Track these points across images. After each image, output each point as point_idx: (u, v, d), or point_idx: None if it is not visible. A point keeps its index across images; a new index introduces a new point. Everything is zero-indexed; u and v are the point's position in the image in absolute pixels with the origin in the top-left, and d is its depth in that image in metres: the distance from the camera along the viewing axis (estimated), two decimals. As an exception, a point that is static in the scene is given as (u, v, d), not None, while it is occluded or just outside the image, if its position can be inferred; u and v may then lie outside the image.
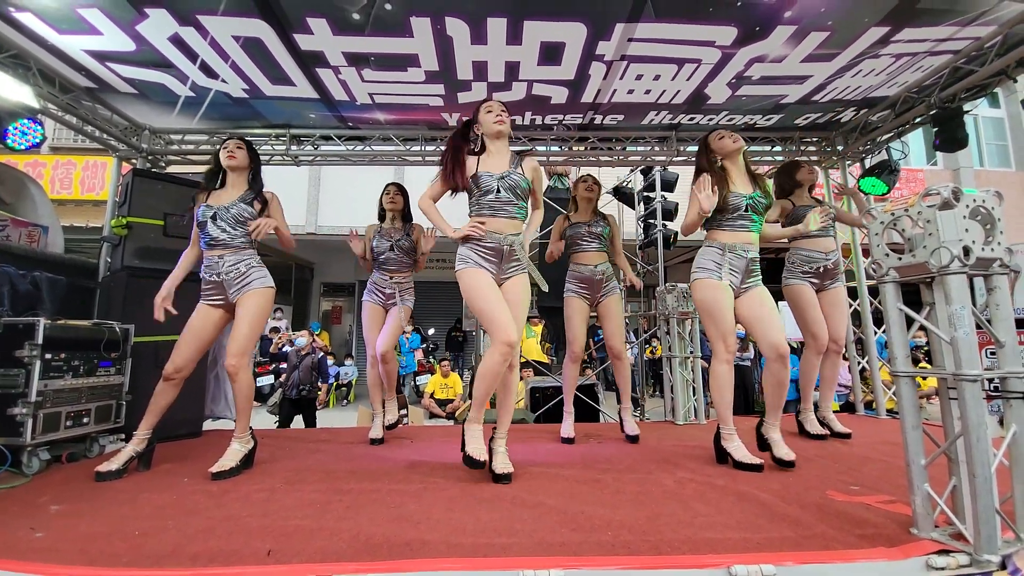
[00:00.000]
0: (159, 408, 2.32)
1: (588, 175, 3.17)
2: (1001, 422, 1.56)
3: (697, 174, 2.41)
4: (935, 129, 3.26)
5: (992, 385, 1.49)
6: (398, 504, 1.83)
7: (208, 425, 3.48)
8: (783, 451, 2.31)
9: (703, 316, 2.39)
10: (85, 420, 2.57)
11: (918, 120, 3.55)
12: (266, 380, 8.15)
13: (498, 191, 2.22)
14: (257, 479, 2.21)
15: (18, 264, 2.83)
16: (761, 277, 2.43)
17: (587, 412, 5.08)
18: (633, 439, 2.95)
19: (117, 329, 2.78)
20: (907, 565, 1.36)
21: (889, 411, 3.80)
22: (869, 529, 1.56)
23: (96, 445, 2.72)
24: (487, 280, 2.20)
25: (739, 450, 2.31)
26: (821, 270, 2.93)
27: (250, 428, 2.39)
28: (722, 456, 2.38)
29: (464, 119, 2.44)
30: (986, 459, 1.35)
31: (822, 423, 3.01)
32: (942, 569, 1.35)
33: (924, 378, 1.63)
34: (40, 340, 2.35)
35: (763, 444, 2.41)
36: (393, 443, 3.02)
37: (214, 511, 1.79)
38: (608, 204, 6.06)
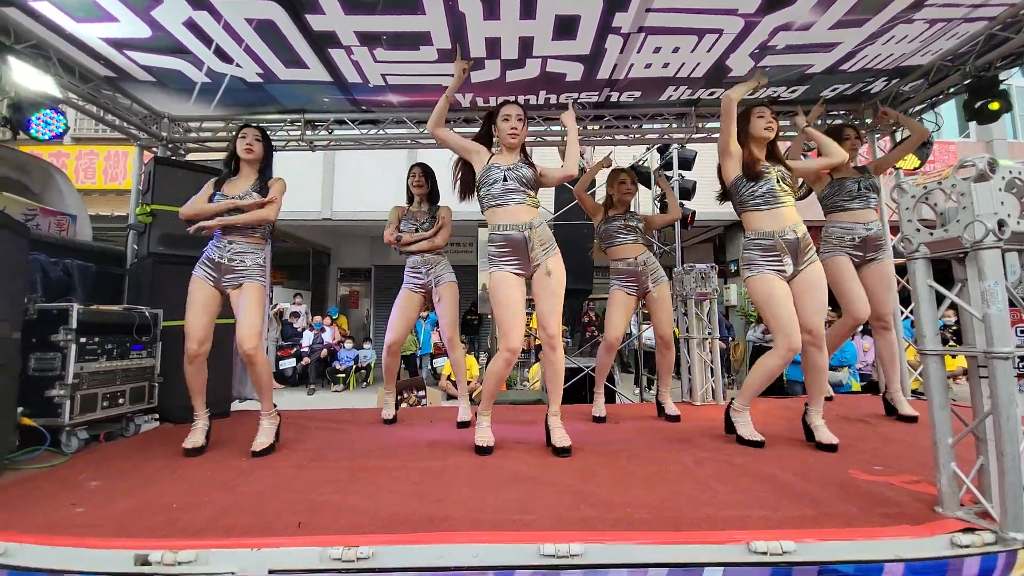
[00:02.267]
0: (199, 387, 2.40)
1: (626, 174, 3.09)
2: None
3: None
4: (967, 99, 3.12)
5: (1021, 367, 1.45)
6: (420, 481, 1.88)
7: (236, 406, 3.60)
8: (825, 435, 2.27)
9: (762, 312, 2.33)
10: (121, 401, 2.69)
11: (952, 90, 3.39)
12: (288, 363, 8.36)
13: (505, 180, 2.26)
14: (285, 457, 2.28)
15: (49, 252, 2.93)
16: (815, 254, 2.34)
17: (604, 394, 5.10)
18: (675, 419, 2.98)
19: (147, 314, 2.87)
20: (931, 543, 1.35)
21: (914, 392, 3.72)
22: (892, 508, 1.55)
23: (132, 425, 2.84)
24: (507, 286, 2.25)
25: (745, 426, 2.34)
26: (860, 241, 2.79)
27: (274, 405, 2.46)
28: (730, 427, 2.43)
29: (490, 113, 2.47)
30: (1016, 437, 1.32)
31: (888, 405, 2.91)
32: (967, 547, 1.34)
33: (954, 356, 1.59)
34: (74, 325, 2.44)
35: (808, 433, 2.37)
36: (413, 423, 3.09)
37: (245, 487, 1.86)
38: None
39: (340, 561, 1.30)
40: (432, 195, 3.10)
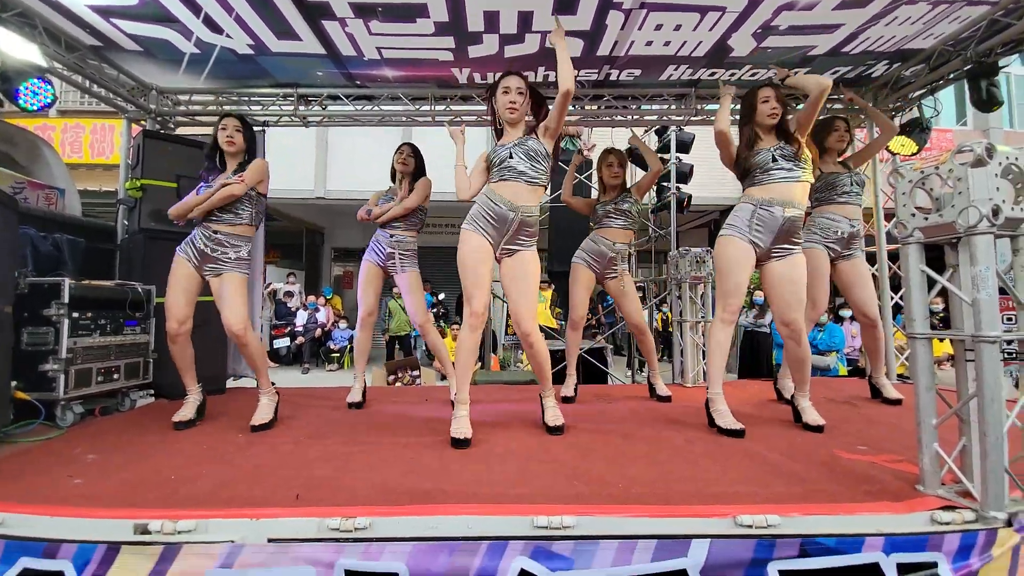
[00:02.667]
0: (186, 364, 2.42)
1: (612, 155, 3.05)
2: (1017, 384, 1.56)
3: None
4: (969, 85, 3.10)
5: (1006, 352, 1.48)
6: (417, 457, 1.91)
7: (231, 384, 3.61)
8: (812, 416, 2.30)
9: (719, 274, 2.34)
10: (115, 376, 2.69)
11: (952, 76, 3.37)
12: (283, 343, 8.35)
13: (511, 156, 2.16)
14: (282, 432, 2.31)
15: (38, 226, 2.88)
16: (800, 245, 2.32)
17: (596, 375, 5.17)
18: (666, 399, 3.02)
19: (140, 290, 2.85)
20: (912, 519, 1.40)
21: (900, 376, 3.80)
22: (875, 485, 1.60)
23: (127, 400, 2.85)
24: (476, 248, 2.17)
25: (723, 416, 2.27)
26: (844, 236, 2.81)
27: (273, 384, 2.48)
28: (713, 421, 2.35)
29: (491, 87, 2.32)
30: (999, 419, 1.36)
31: (874, 388, 2.97)
32: (947, 524, 1.38)
33: (941, 340, 1.62)
34: (66, 299, 2.42)
35: (796, 414, 2.39)
36: (410, 402, 3.11)
37: (242, 460, 1.89)
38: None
39: (338, 531, 1.32)
40: (416, 176, 2.99)
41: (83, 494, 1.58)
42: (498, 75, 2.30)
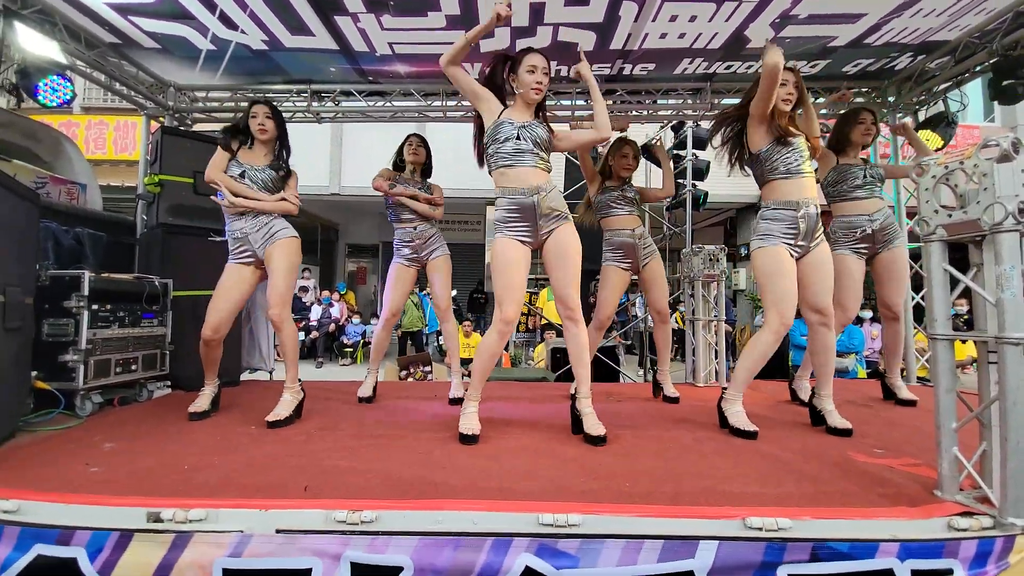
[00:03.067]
0: (211, 361, 2.46)
1: (628, 146, 2.98)
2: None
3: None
4: (992, 79, 2.99)
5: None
6: (426, 451, 1.92)
7: (244, 376, 3.67)
8: (838, 420, 2.22)
9: (763, 285, 2.22)
10: (133, 367, 2.75)
11: (978, 68, 3.25)
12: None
13: (518, 138, 2.08)
14: (295, 425, 2.33)
15: (60, 220, 2.96)
16: (823, 234, 2.26)
17: (608, 373, 5.14)
18: (674, 400, 2.95)
19: (157, 283, 2.91)
20: (928, 525, 1.36)
21: (920, 379, 3.70)
22: (891, 489, 1.56)
23: (145, 391, 2.91)
24: (510, 253, 2.10)
25: (737, 416, 2.20)
26: (867, 233, 2.71)
27: (299, 380, 2.46)
28: (724, 421, 2.29)
29: (505, 56, 2.22)
30: (1021, 423, 1.31)
31: (887, 388, 2.91)
32: (964, 530, 1.34)
33: (964, 342, 1.57)
34: (86, 292, 2.48)
35: (817, 418, 2.32)
36: (421, 397, 3.13)
37: (255, 451, 1.91)
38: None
39: (345, 523, 1.33)
40: (426, 168, 3.00)
41: (99, 481, 1.61)
42: (518, 50, 2.20)
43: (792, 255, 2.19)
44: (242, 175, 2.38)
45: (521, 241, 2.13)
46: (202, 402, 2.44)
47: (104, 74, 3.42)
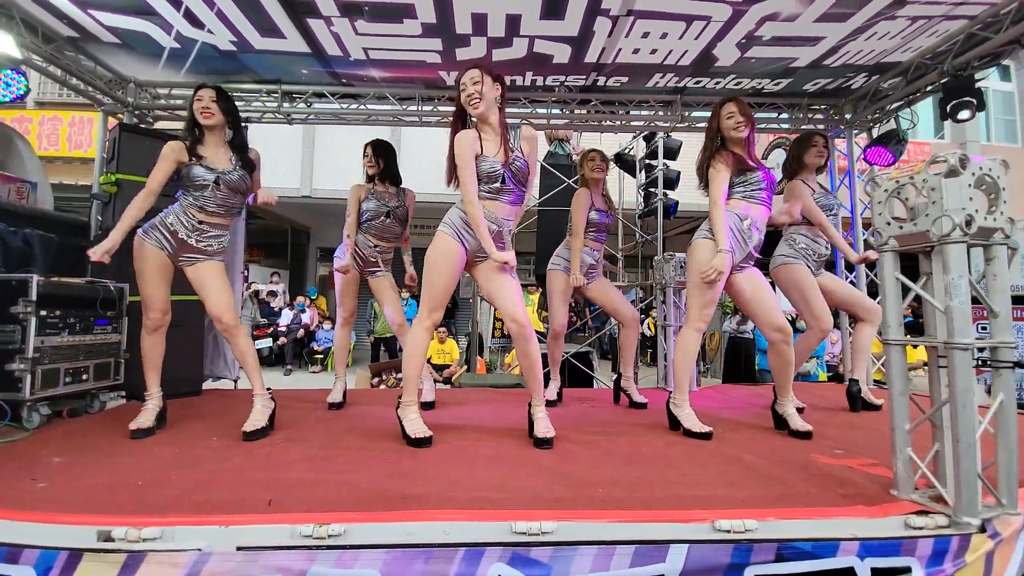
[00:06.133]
0: (155, 363, 2.31)
1: (595, 151, 3.04)
2: (989, 391, 1.59)
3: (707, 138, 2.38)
4: (942, 98, 3.18)
5: (978, 359, 1.50)
6: (395, 461, 1.88)
7: (208, 385, 3.52)
8: (798, 423, 2.31)
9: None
10: (84, 377, 2.59)
11: (929, 88, 3.46)
12: (264, 343, 8.20)
13: (504, 181, 2.11)
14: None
15: (8, 221, 2.79)
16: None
17: (581, 378, 5.17)
18: (641, 406, 2.97)
19: (112, 288, 2.76)
20: (886, 523, 1.41)
21: (876, 382, 3.87)
22: (851, 489, 1.62)
23: (97, 401, 2.75)
24: (454, 256, 2.14)
25: (689, 418, 2.32)
26: (820, 255, 2.83)
27: (268, 389, 2.36)
28: (675, 423, 2.39)
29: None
30: (971, 425, 1.38)
31: (852, 398, 2.92)
32: (920, 529, 1.40)
33: (915, 347, 1.65)
34: (34, 297, 2.33)
35: (780, 422, 2.40)
36: (393, 404, 3.06)
37: (216, 465, 1.83)
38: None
39: (311, 538, 1.29)
40: (390, 172, 2.88)
41: (47, 498, 1.51)
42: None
43: (727, 252, 2.23)
44: (216, 182, 2.21)
45: (465, 247, 2.16)
46: (145, 418, 2.23)
47: (60, 68, 3.26)
